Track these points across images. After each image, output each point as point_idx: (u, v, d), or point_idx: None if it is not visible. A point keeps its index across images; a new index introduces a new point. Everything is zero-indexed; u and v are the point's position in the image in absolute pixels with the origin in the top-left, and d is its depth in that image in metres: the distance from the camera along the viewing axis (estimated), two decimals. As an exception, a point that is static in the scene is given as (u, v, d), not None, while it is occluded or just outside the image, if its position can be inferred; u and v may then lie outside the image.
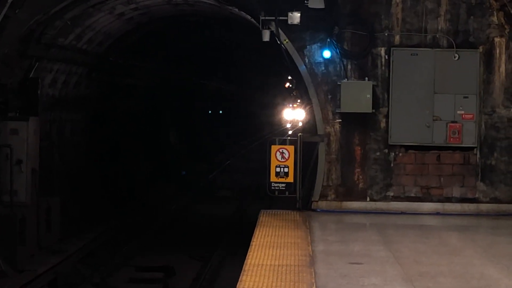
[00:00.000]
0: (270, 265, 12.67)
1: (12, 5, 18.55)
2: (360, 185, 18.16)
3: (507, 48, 17.98)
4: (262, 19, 18.13)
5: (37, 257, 20.23)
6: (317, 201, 18.17)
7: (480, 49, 18.02)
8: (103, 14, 23.32)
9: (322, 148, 18.15)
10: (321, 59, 18.16)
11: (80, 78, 25.18)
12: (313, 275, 11.92)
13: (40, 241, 20.81)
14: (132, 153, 32.19)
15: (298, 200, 18.06)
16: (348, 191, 18.16)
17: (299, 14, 17.57)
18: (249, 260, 12.99)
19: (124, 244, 24.44)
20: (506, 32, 17.96)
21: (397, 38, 18.11)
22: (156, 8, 25.31)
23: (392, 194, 18.10)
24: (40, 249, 20.75)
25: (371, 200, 18.13)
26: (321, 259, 13.18)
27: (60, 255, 20.98)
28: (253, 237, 15.04)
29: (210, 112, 49.94)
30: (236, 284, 11.43)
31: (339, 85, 17.83)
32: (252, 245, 14.30)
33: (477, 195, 18.06)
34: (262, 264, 12.71)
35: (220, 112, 53.97)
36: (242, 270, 12.25)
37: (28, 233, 20.12)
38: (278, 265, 12.63)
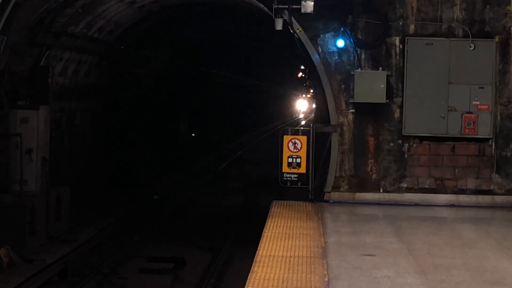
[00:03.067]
0: (282, 256, 12.57)
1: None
2: (373, 176, 17.99)
3: (524, 37, 17.77)
4: (275, 8, 17.94)
5: (46, 247, 20.09)
6: (329, 192, 18.01)
7: (496, 38, 17.82)
8: (114, 2, 23.17)
9: (335, 138, 17.97)
10: (334, 48, 17.98)
11: (90, 66, 25.05)
12: (325, 267, 11.82)
13: (50, 230, 20.69)
14: (142, 142, 32.08)
15: (310, 191, 17.91)
16: (361, 182, 17.99)
17: (312, 3, 17.38)
18: (260, 251, 12.90)
19: (134, 234, 24.33)
20: (523, 22, 17.76)
21: (412, 27, 17.91)
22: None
23: (405, 185, 17.92)
24: (49, 238, 20.62)
25: (384, 191, 17.95)
26: (333, 251, 13.07)
27: (70, 245, 20.87)
28: (264, 227, 14.92)
29: (221, 102, 49.78)
30: (248, 275, 11.30)
31: (353, 74, 17.66)
32: (264, 236, 14.20)
33: (492, 187, 17.86)
34: (274, 255, 12.61)
35: (231, 102, 53.81)
36: (254, 261, 12.17)
37: (38, 222, 20.00)
38: (290, 256, 12.54)
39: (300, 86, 53.42)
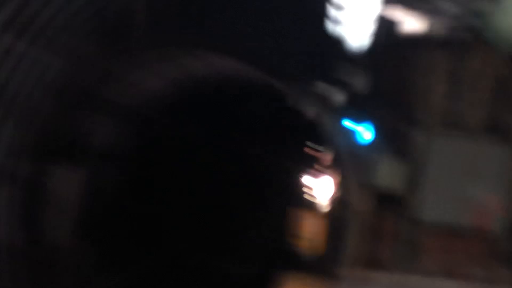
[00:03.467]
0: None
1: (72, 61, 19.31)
2: (387, 259, 18.31)
3: None
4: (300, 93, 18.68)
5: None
6: (343, 270, 18.38)
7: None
8: (151, 77, 24.02)
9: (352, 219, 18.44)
10: (360, 142, 18.54)
11: (128, 134, 25.64)
12: None
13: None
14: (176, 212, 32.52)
15: (325, 268, 18.45)
16: (376, 264, 18.35)
17: (342, 97, 18.29)
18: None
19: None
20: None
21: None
22: (198, 73, 25.97)
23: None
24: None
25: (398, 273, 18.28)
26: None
27: None
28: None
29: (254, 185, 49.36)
30: None
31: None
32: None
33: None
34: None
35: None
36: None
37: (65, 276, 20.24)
38: None
39: (320, 165, 53.54)
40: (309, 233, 18.19)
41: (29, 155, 19.22)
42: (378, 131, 18.62)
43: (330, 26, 18.19)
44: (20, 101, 17.95)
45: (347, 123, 18.57)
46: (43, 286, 19.69)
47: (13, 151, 18.43)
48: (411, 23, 18.18)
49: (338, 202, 19.63)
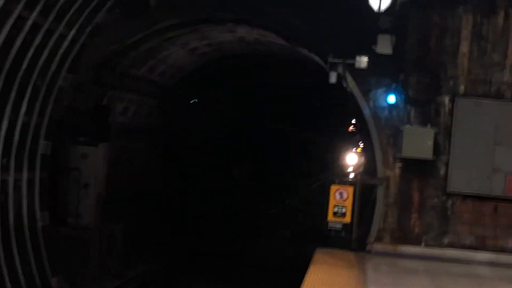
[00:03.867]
0: (322, 302, 12.97)
1: (90, 33, 19.28)
2: (416, 230, 18.30)
3: None
4: (330, 62, 18.53)
5: (97, 280, 20.70)
6: (372, 243, 18.37)
7: (544, 102, 18.12)
8: (176, 48, 23.99)
9: (380, 191, 18.38)
10: (385, 104, 18.45)
11: (150, 109, 25.85)
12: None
13: (102, 264, 21.32)
14: (198, 185, 32.69)
15: (354, 241, 18.28)
16: (404, 236, 18.31)
17: (366, 59, 17.95)
18: (301, 296, 13.29)
19: (182, 274, 24.83)
20: None
21: (462, 87, 18.28)
22: (228, 45, 25.93)
23: (447, 241, 18.19)
24: (100, 272, 21.25)
25: (426, 245, 18.24)
26: (372, 300, 13.41)
27: (120, 279, 21.46)
28: (306, 273, 15.30)
29: (273, 152, 50.32)
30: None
31: (402, 130, 18.07)
32: (305, 281, 14.57)
33: (532, 248, 18.05)
34: (314, 301, 13.00)
35: (284, 152, 54.27)
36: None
37: (90, 256, 20.66)
38: (329, 302, 12.92)
39: (351, 140, 53.69)
40: (339, 205, 17.99)
41: (48, 133, 19.02)
42: (404, 95, 18.25)
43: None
44: (35, 75, 17.74)
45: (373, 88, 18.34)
46: (69, 266, 19.65)
47: (32, 130, 18.24)
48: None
49: (366, 172, 19.36)
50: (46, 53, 17.86)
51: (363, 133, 21.43)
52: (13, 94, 17.10)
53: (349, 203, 18.13)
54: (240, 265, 28.50)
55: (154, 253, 25.47)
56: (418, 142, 17.92)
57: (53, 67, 18.42)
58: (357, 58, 18.14)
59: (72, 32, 18.51)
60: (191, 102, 30.28)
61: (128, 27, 20.59)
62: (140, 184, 25.94)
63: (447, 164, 18.18)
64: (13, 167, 17.52)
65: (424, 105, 18.33)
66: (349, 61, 18.33)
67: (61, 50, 18.54)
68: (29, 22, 16.70)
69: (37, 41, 17.32)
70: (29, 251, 18.05)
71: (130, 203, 24.92)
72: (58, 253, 19.23)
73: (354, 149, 55.19)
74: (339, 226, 18.16)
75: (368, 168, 19.42)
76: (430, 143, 17.85)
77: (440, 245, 18.16)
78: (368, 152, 20.14)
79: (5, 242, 17.13)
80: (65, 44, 18.52)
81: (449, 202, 18.23)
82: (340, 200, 18.14)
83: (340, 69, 18.48)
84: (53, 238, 19.16)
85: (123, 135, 24.17)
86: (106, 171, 21.74)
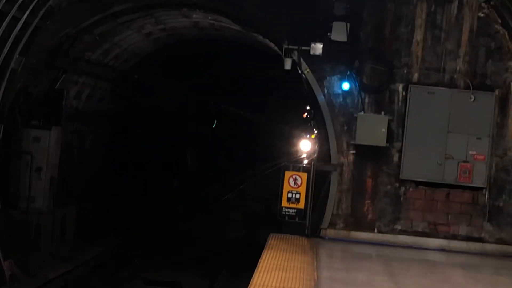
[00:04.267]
0: (275, 287, 13.01)
1: (44, 16, 19.04)
2: (369, 216, 18.50)
3: (522, 93, 18.33)
4: (285, 48, 18.56)
5: (49, 264, 20.58)
6: (325, 229, 18.52)
7: (496, 92, 18.37)
8: (131, 32, 23.84)
9: (334, 177, 18.52)
10: (339, 91, 18.57)
11: (104, 93, 25.68)
12: (316, 300, 12.26)
13: (54, 248, 21.18)
14: (150, 170, 32.62)
15: (307, 227, 18.39)
16: (357, 222, 18.50)
17: (321, 45, 18.03)
18: (254, 281, 13.33)
19: (134, 258, 24.82)
20: (522, 78, 18.33)
21: (416, 75, 18.49)
22: (183, 30, 25.83)
23: (400, 227, 18.42)
24: (52, 256, 21.12)
25: (379, 232, 18.45)
26: (325, 285, 13.52)
27: (72, 263, 21.35)
28: (260, 258, 15.37)
29: (226, 137, 50.38)
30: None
31: (356, 117, 18.22)
32: (259, 266, 14.64)
33: (483, 235, 18.35)
34: (267, 286, 13.06)
35: (236, 139, 54.38)
36: (248, 289, 12.61)
37: (42, 239, 20.51)
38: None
39: (305, 126, 53.96)
40: (293, 191, 18.08)
41: (0, 116, 18.77)
42: (359, 82, 18.37)
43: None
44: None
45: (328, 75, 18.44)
46: (21, 250, 19.48)
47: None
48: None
49: (320, 159, 19.48)
50: (-2, 35, 17.61)
51: (317, 120, 21.52)
52: (-36, 77, 16.85)
53: (303, 189, 18.23)
54: (192, 248, 28.54)
55: (106, 237, 25.38)
56: (372, 129, 18.09)
57: (6, 49, 18.14)
58: (312, 45, 18.21)
59: (25, 15, 18.25)
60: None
61: (82, 10, 20.39)
62: (92, 168, 25.79)
63: (400, 151, 18.38)
64: (-36, 150, 17.29)
65: (378, 93, 18.50)
66: (304, 48, 18.38)
67: (14, 33, 18.27)
68: (-18, 5, 16.44)
69: (-11, 23, 17.08)
70: (-20, 235, 17.86)
71: (83, 187, 24.78)
72: (9, 237, 19.05)
73: (308, 136, 55.55)
74: (293, 211, 18.25)
75: (322, 154, 19.53)
76: (383, 130, 18.03)
77: (393, 231, 18.38)
78: (322, 138, 20.25)
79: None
80: (18, 26, 18.25)
81: (402, 189, 18.44)
82: (294, 186, 18.23)
83: (295, 55, 18.56)
84: (4, 222, 18.96)
85: (76, 119, 23.99)
86: (58, 155, 21.54)
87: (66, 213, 22.10)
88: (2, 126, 18.93)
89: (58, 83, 21.85)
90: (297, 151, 70.59)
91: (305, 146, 54.61)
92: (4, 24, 17.68)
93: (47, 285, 19.61)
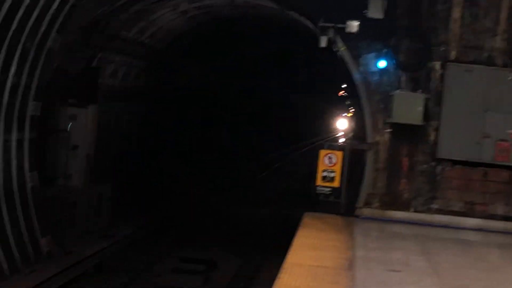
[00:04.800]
0: (309, 265, 12.97)
1: (80, -6, 19.11)
2: (405, 195, 18.37)
3: (561, 72, 18.05)
4: (320, 25, 18.42)
5: (85, 240, 20.73)
6: (361, 208, 18.43)
7: (535, 70, 18.10)
8: (166, 10, 23.84)
9: (370, 156, 18.40)
10: (375, 69, 18.41)
11: (139, 71, 25.75)
12: (351, 279, 12.17)
13: (90, 225, 21.34)
14: (185, 148, 32.70)
15: (342, 205, 18.33)
16: (393, 201, 18.38)
17: (357, 23, 17.87)
18: (289, 259, 13.30)
19: (169, 235, 24.94)
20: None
21: (453, 53, 18.26)
22: (217, 9, 25.79)
23: (436, 206, 18.27)
24: (89, 233, 21.29)
25: (415, 211, 18.32)
26: (360, 264, 13.42)
27: (108, 240, 21.49)
28: (295, 237, 15.33)
29: (262, 116, 50.33)
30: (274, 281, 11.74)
31: (392, 95, 18.05)
32: (293, 245, 14.60)
33: (521, 214, 18.15)
34: (302, 264, 13.00)
35: (272, 118, 54.29)
36: (281, 268, 12.56)
37: (79, 216, 20.67)
38: (317, 266, 12.92)
39: (341, 105, 53.73)
40: (328, 170, 18.01)
41: (38, 94, 18.90)
42: (395, 60, 18.21)
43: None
44: (25, 36, 17.58)
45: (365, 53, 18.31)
46: (58, 227, 19.68)
47: (21, 91, 18.12)
48: None
49: (356, 137, 19.39)
50: (35, 14, 17.69)
51: (353, 98, 21.41)
52: (2, 55, 16.96)
53: (338, 168, 18.14)
54: (226, 226, 28.59)
55: (140, 214, 25.51)
56: (408, 107, 17.90)
57: (43, 28, 18.25)
58: (348, 22, 18.03)
59: (62, -7, 18.34)
60: None
61: (118, -11, 20.45)
62: (128, 146, 25.92)
63: (437, 130, 18.20)
64: (2, 128, 17.43)
65: (415, 71, 18.30)
66: (340, 25, 18.22)
67: (51, 11, 18.36)
68: (19, -18, 16.54)
69: (27, 1, 17.15)
70: (18, 211, 18.03)
71: (119, 164, 24.93)
72: (47, 213, 19.24)
73: (344, 114, 55.34)
74: (328, 190, 18.19)
75: (358, 133, 19.43)
76: (420, 108, 17.84)
77: (429, 211, 18.24)
78: (358, 117, 20.14)
79: (-6, 203, 17.13)
80: (55, 5, 18.33)
81: (439, 168, 18.27)
82: (329, 165, 18.16)
83: (331, 33, 18.39)
84: (42, 198, 19.15)
85: (112, 97, 24.10)
86: (95, 132, 21.68)
87: (102, 190, 22.26)
88: (40, 104, 19.06)
89: (95, 62, 21.93)
90: (333, 130, 70.42)
91: (342, 124, 54.46)
92: (41, 2, 17.77)
93: (84, 262, 19.75)
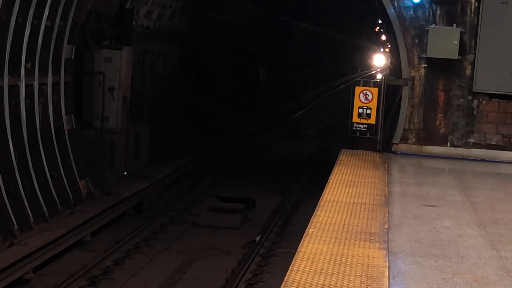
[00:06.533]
0: (345, 202, 12.94)
1: None
2: (442, 130, 18.27)
3: None
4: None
5: (124, 182, 20.96)
6: (397, 144, 18.37)
7: None
8: None
9: (405, 91, 18.28)
10: (410, 3, 18.17)
11: (174, 11, 25.64)
12: (387, 214, 12.14)
13: (128, 166, 21.53)
14: (222, 88, 32.72)
15: (379, 142, 18.28)
16: (429, 136, 18.30)
17: (391, -45, 17.62)
18: (325, 196, 13.30)
19: (208, 175, 25.11)
20: None
21: (489, -15, 17.95)
22: None
23: (473, 141, 18.15)
24: (127, 174, 21.48)
25: (452, 145, 18.23)
26: (396, 200, 13.41)
27: (146, 181, 21.70)
28: (331, 174, 15.34)
29: (298, 53, 50.07)
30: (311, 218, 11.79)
31: (427, 30, 17.83)
32: (329, 182, 14.61)
33: (558, 147, 17.99)
34: (338, 201, 13.00)
35: (308, 55, 54.02)
36: (318, 205, 12.56)
37: (117, 158, 20.84)
38: (353, 203, 12.90)
39: (377, 40, 53.21)
40: (363, 107, 17.94)
41: (72, 37, 18.96)
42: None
43: None
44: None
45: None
46: (96, 169, 19.88)
47: (55, 34, 18.18)
48: None
49: (392, 73, 19.25)
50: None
51: (389, 34, 21.19)
52: (35, -1, 16.99)
53: (373, 104, 18.03)
54: (264, 164, 28.73)
55: (178, 155, 25.69)
56: (444, 41, 17.69)
57: (75, -30, 18.24)
58: (382, -45, 17.81)
59: None
60: None
61: None
62: (164, 87, 25.98)
63: (473, 64, 17.98)
64: (37, 71, 17.55)
65: (450, 4, 18.01)
66: (374, -41, 18.00)
67: (82, -47, 18.34)
68: None
69: None
70: (56, 154, 18.23)
71: (155, 105, 25.02)
72: (84, 156, 19.43)
73: (381, 50, 54.82)
74: (364, 127, 18.12)
75: (394, 69, 19.27)
76: (455, 42, 17.62)
77: (466, 145, 18.14)
78: (393, 53, 19.96)
79: (32, 146, 17.30)
80: None
81: (475, 102, 18.11)
82: (365, 102, 18.05)
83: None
84: (79, 141, 19.33)
85: (147, 38, 24.09)
86: (130, 74, 21.72)
87: (140, 131, 22.38)
88: (74, 47, 19.12)
89: (128, 3, 21.87)
90: (371, 66, 69.92)
91: (379, 60, 53.99)
92: None
93: (123, 203, 20.00)
